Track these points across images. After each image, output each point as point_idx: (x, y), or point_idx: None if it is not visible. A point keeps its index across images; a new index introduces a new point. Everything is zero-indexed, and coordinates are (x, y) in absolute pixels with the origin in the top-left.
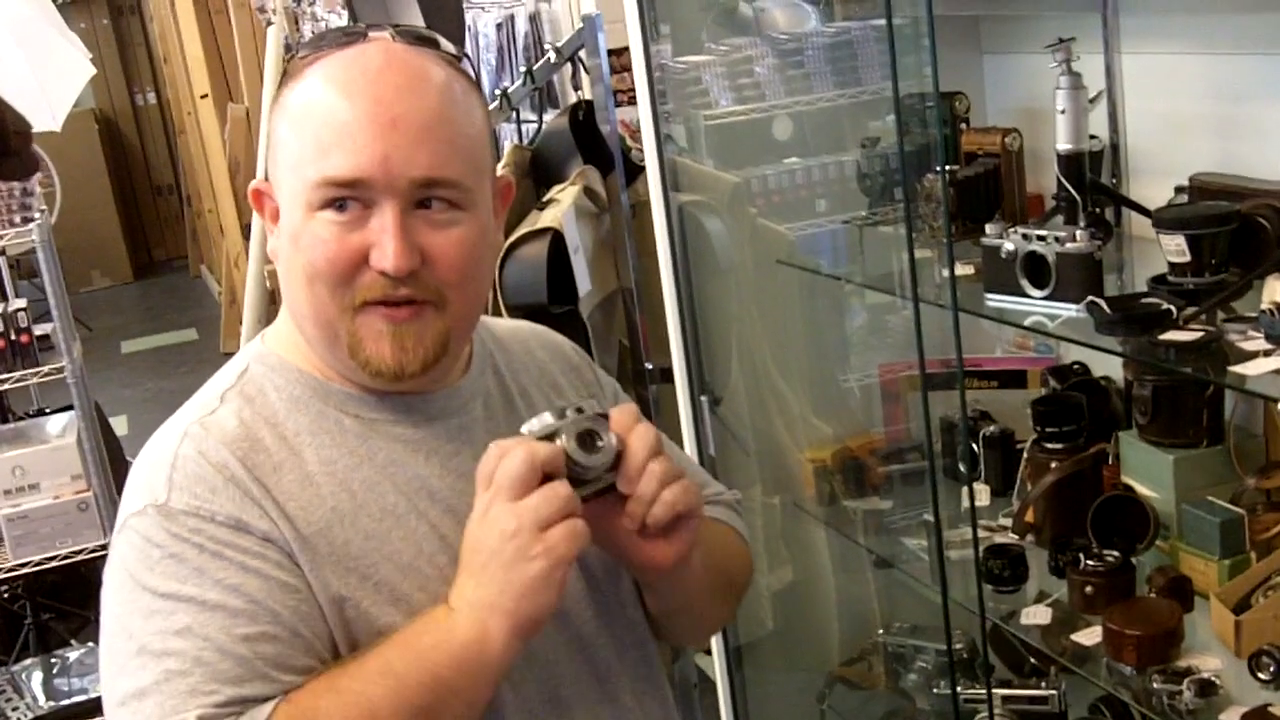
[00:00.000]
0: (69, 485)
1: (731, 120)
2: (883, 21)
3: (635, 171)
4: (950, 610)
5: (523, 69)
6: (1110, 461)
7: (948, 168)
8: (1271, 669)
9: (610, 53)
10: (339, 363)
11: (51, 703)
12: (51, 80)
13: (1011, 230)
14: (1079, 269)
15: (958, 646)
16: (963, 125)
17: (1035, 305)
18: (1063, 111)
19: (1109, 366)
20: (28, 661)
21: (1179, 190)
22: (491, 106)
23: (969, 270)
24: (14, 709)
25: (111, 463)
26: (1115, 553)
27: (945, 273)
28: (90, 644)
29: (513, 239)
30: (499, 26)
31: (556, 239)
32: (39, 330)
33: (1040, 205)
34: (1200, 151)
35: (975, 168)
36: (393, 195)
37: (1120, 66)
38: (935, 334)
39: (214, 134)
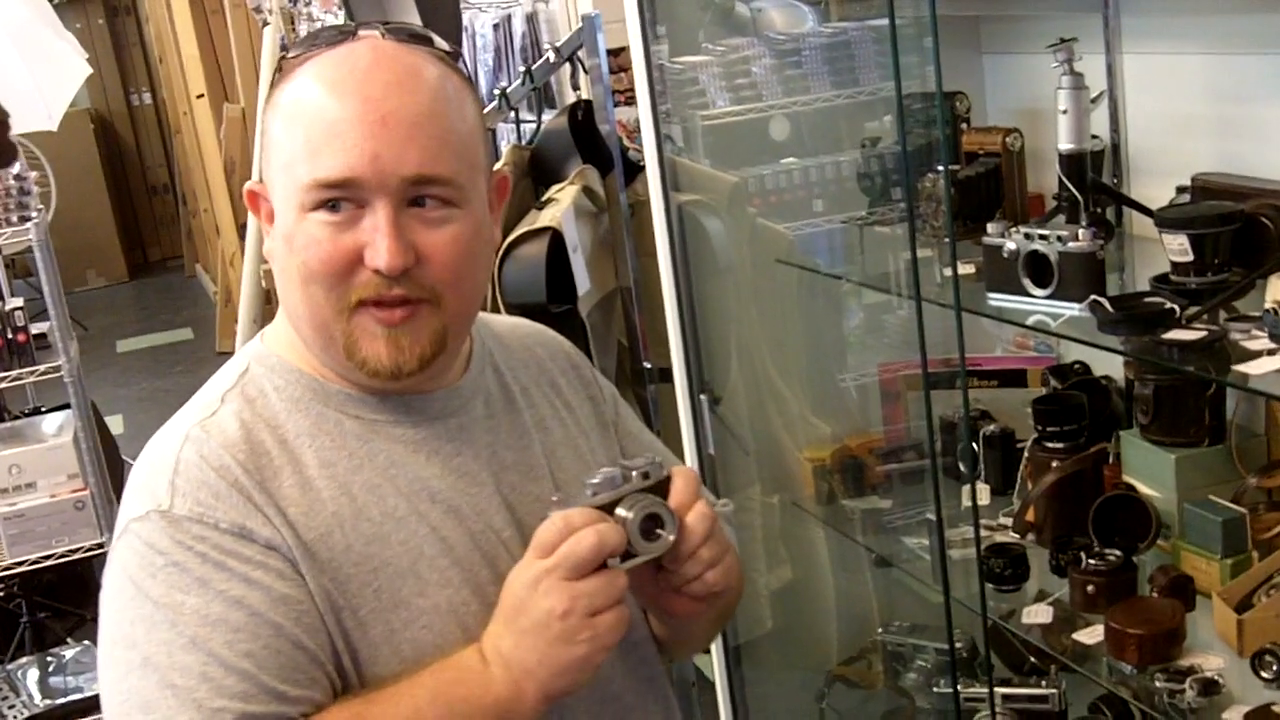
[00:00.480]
0: (65, 484)
1: (728, 121)
2: (879, 22)
3: (634, 171)
4: (950, 609)
5: (520, 69)
6: (1111, 461)
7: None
8: (1274, 668)
9: (608, 53)
10: (336, 363)
11: (47, 701)
12: (48, 80)
13: (1013, 230)
14: (1081, 268)
15: (957, 645)
16: (963, 125)
17: (1037, 304)
18: (1064, 111)
19: (1109, 366)
20: (23, 660)
21: (1181, 190)
22: (490, 106)
23: (969, 270)
24: (10, 707)
25: (107, 462)
26: (1117, 552)
27: (946, 272)
28: (86, 642)
29: (512, 238)
30: (496, 27)
31: (555, 238)
32: (35, 329)
33: (1040, 205)
34: (1201, 151)
35: (976, 167)
36: (385, 194)
37: (1121, 66)
38: (935, 333)
39: (210, 134)
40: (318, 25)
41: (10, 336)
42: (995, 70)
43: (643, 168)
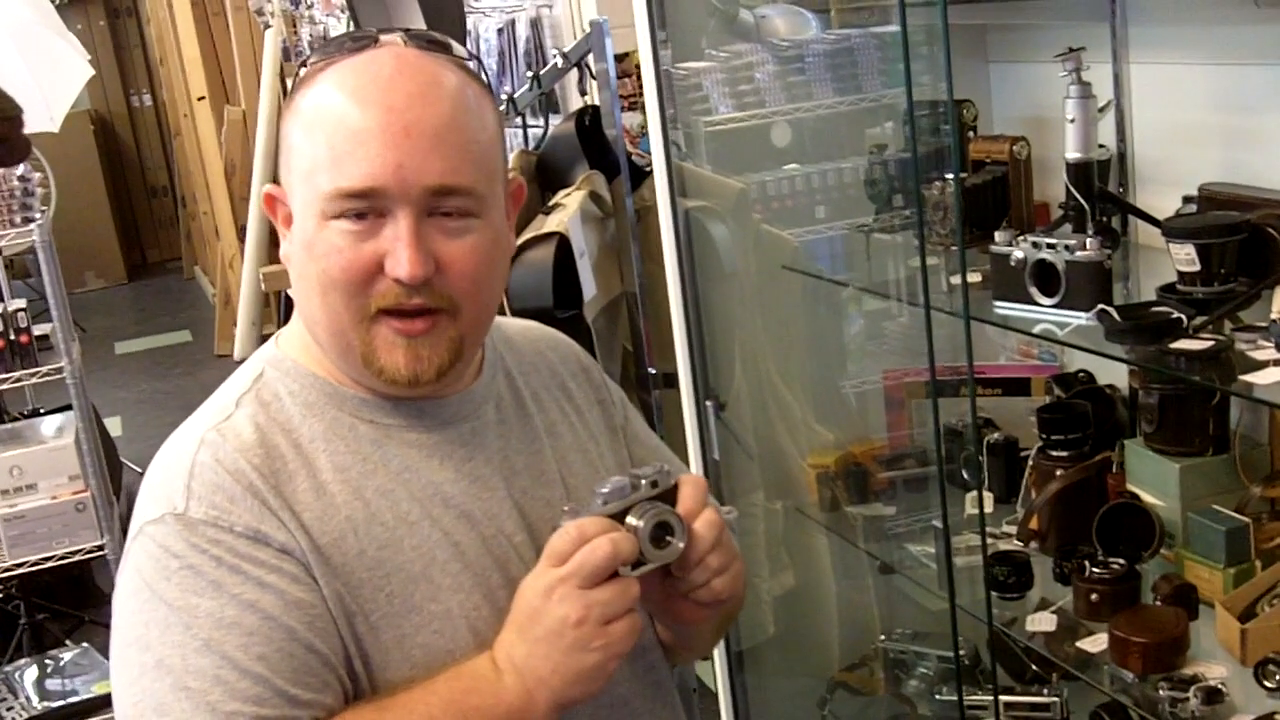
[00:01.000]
0: (67, 486)
1: (732, 127)
2: (883, 29)
3: (640, 177)
4: (956, 616)
5: (524, 73)
6: (1115, 469)
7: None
8: (1278, 677)
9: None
10: (353, 370)
11: (45, 703)
12: (50, 81)
13: (1021, 238)
14: (1089, 277)
15: (960, 653)
16: (970, 133)
17: (1044, 313)
18: (1072, 120)
19: (1114, 375)
20: (22, 662)
21: (1187, 200)
22: None
23: (975, 278)
24: (8, 709)
25: (107, 463)
26: (1120, 560)
27: (953, 280)
28: (85, 644)
29: (519, 243)
30: (500, 31)
31: (562, 243)
32: (37, 330)
33: (1046, 214)
34: (1207, 161)
35: (983, 175)
36: (407, 204)
37: (1129, 76)
38: (940, 341)
39: (210, 136)
40: (320, 28)
41: (12, 338)
42: (1002, 79)
43: (648, 173)
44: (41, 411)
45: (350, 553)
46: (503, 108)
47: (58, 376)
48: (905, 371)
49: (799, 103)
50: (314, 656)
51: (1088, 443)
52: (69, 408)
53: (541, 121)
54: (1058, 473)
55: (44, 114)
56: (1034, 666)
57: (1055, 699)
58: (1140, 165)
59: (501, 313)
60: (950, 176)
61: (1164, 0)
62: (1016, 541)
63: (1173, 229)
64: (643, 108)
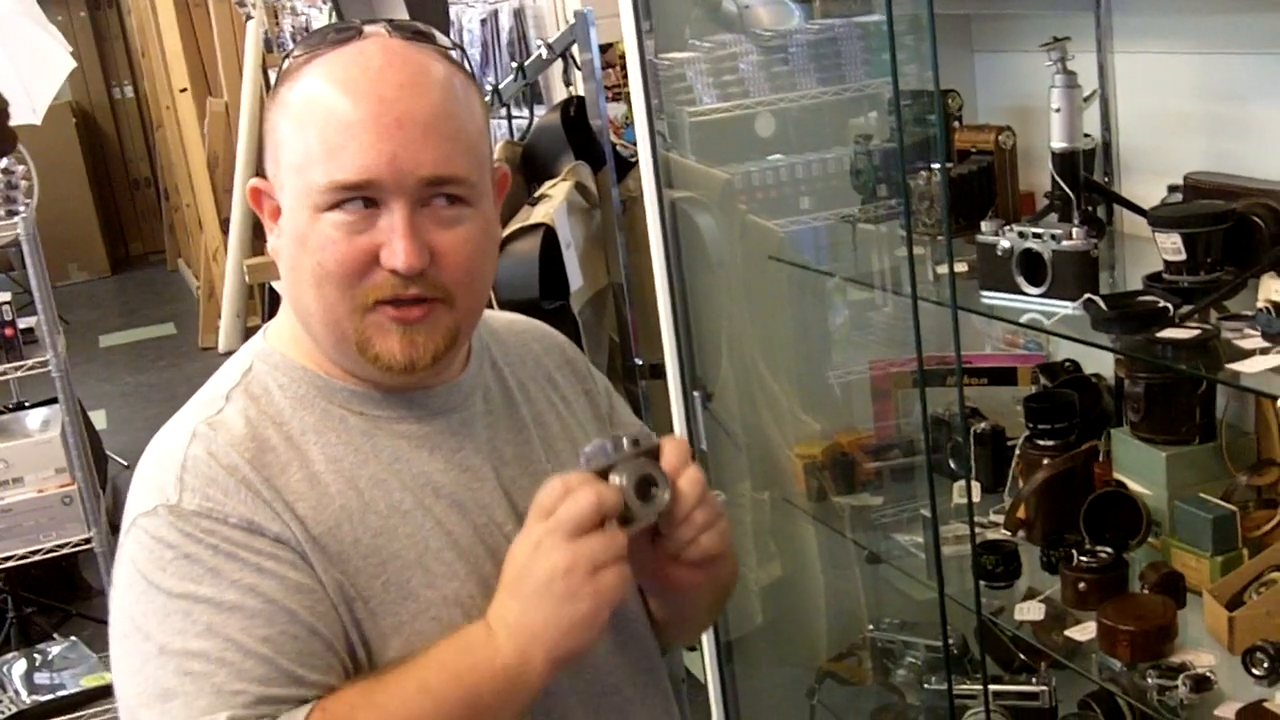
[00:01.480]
0: (53, 479)
1: (716, 117)
2: (867, 19)
3: (625, 167)
4: (945, 605)
5: (507, 64)
6: (1102, 458)
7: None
8: (1265, 665)
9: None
10: (347, 360)
11: (34, 697)
12: (32, 74)
13: (1007, 228)
14: (1075, 266)
15: (949, 642)
16: (955, 123)
17: (1031, 302)
18: (1057, 110)
19: (1100, 364)
20: (10, 655)
21: (1173, 189)
22: None
23: (961, 268)
24: None
25: (93, 457)
26: (1108, 549)
27: (939, 270)
28: (73, 638)
29: (505, 234)
30: (483, 21)
31: (548, 235)
32: (21, 324)
33: (1031, 203)
34: (1193, 150)
35: (968, 165)
36: (401, 195)
37: (1113, 65)
38: (926, 331)
39: (193, 128)
40: (302, 19)
41: None
42: (987, 68)
43: (633, 164)
44: (27, 405)
45: (346, 541)
46: (488, 98)
47: (43, 370)
48: (892, 361)
49: (783, 93)
50: (317, 639)
51: (1074, 432)
52: (54, 401)
53: (526, 112)
54: (1045, 462)
55: (26, 106)
56: (1022, 655)
57: (1044, 687)
58: (1125, 154)
59: (488, 305)
60: (936, 166)
61: None
62: (1004, 531)
63: (1159, 218)
64: (627, 98)
